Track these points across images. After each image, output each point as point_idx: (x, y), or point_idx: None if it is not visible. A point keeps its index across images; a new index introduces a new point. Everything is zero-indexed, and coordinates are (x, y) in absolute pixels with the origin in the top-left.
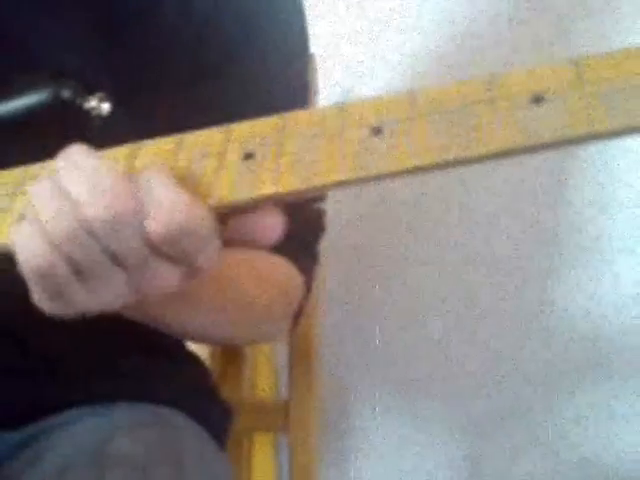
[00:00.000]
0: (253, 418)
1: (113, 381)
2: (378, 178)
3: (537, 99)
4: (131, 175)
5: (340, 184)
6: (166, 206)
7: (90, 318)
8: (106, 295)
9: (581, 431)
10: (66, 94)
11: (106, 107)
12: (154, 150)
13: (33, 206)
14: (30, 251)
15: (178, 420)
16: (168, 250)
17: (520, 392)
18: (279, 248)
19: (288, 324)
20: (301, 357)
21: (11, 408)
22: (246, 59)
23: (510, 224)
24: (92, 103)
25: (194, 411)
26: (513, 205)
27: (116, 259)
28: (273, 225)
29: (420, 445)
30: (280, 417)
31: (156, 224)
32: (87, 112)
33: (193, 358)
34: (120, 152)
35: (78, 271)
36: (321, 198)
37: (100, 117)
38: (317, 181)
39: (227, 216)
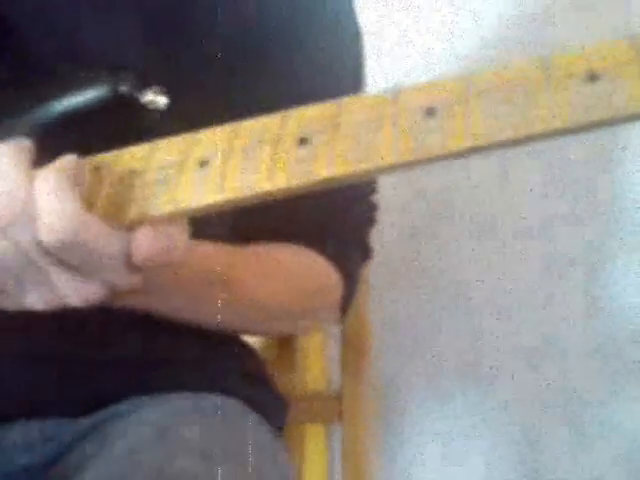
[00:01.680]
0: (305, 409)
1: (173, 371)
2: (433, 160)
3: (592, 77)
4: (34, 177)
5: (395, 167)
6: (52, 213)
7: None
8: (33, 297)
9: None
10: (124, 88)
11: (163, 101)
12: (211, 138)
13: None
14: None
15: (237, 409)
16: (67, 258)
17: (583, 384)
18: (319, 242)
19: (330, 316)
20: (353, 348)
21: (76, 397)
22: (300, 47)
23: (565, 213)
24: (149, 97)
25: (251, 400)
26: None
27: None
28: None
29: (475, 433)
30: (332, 408)
31: (44, 229)
32: (144, 106)
33: (249, 349)
34: (178, 141)
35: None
36: (373, 190)
37: (157, 111)
38: (372, 164)
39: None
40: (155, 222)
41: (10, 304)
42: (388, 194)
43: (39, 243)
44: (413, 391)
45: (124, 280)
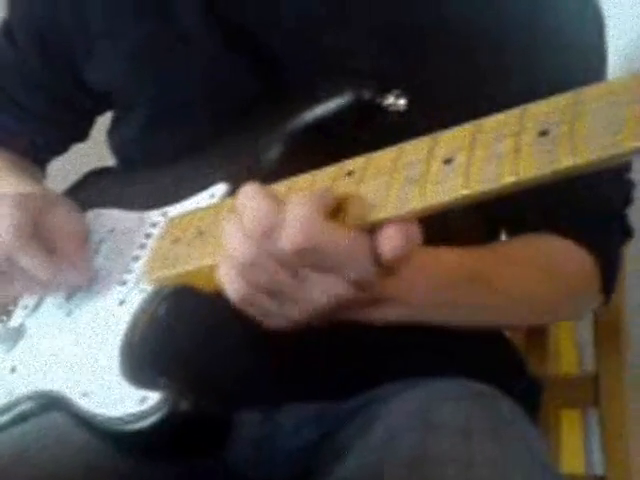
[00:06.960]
0: (559, 393)
1: (430, 358)
2: None
3: None
4: (280, 207)
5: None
6: (290, 227)
7: None
8: (292, 311)
9: None
10: (366, 95)
11: (402, 103)
12: (454, 136)
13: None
14: (231, 285)
15: (492, 393)
16: (313, 262)
17: None
18: (573, 229)
19: (592, 304)
20: (608, 331)
21: (340, 381)
22: (539, 42)
23: None
24: (389, 100)
25: (505, 386)
26: None
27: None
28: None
29: None
30: (588, 392)
31: (283, 241)
32: (385, 110)
33: (501, 336)
34: (422, 142)
35: (268, 292)
36: (628, 168)
37: (397, 113)
38: (616, 149)
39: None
40: (400, 220)
41: (274, 323)
42: None
43: (283, 253)
44: None
45: (372, 277)
